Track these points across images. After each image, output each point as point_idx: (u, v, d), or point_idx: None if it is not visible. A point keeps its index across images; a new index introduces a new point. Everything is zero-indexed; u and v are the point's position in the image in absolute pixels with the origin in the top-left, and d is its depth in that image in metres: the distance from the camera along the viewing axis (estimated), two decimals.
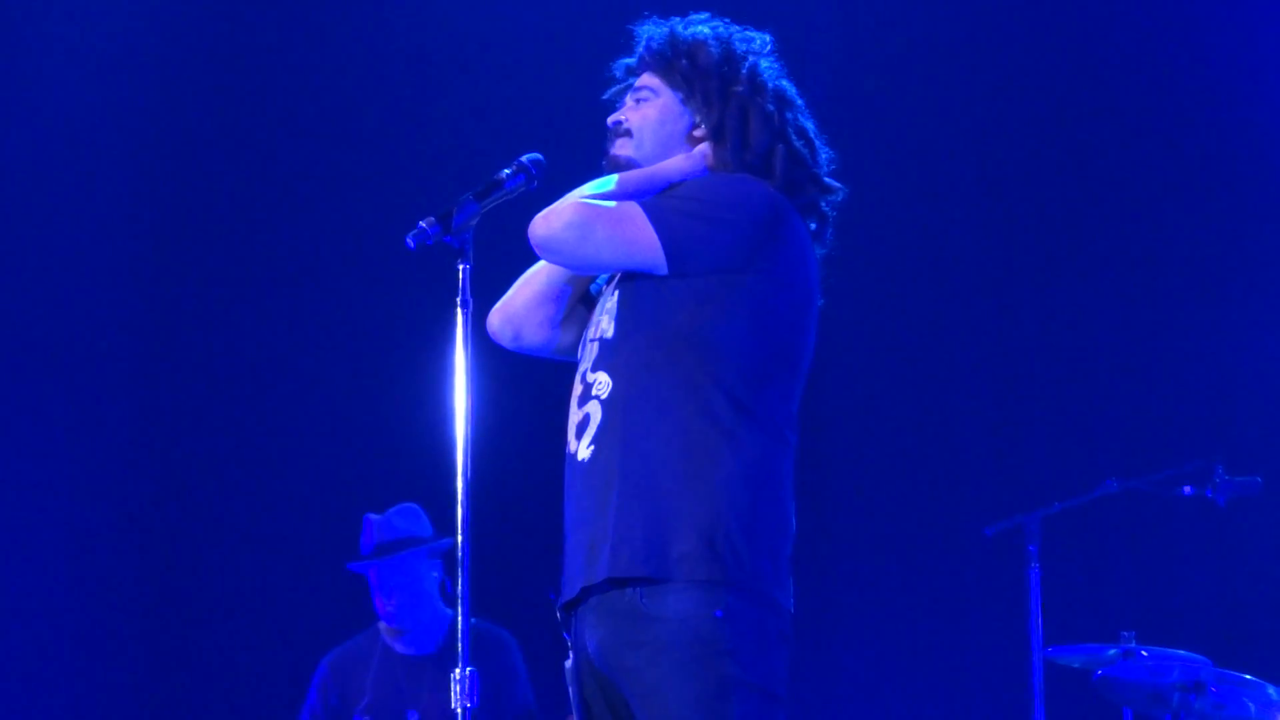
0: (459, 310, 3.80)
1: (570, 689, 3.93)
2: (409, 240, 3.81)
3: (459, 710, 3.69)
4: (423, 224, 3.81)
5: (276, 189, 8.12)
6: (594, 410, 3.87)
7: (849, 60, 8.18)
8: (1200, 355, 7.94)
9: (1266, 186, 8.00)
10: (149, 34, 8.05)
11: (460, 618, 3.69)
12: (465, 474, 3.74)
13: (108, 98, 8.02)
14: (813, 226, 4.04)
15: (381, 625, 6.47)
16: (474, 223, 3.84)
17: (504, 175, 3.93)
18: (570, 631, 3.91)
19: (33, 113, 7.91)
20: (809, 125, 4.10)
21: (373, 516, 6.45)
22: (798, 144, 4.05)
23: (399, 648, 6.42)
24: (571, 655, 3.91)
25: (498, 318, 4.09)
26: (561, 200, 3.89)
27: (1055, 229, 8.16)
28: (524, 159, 3.96)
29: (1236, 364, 7.89)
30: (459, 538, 3.72)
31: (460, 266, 3.83)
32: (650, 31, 4.14)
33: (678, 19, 4.15)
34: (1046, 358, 8.13)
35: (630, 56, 4.20)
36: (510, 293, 4.13)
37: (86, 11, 8.00)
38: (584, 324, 4.10)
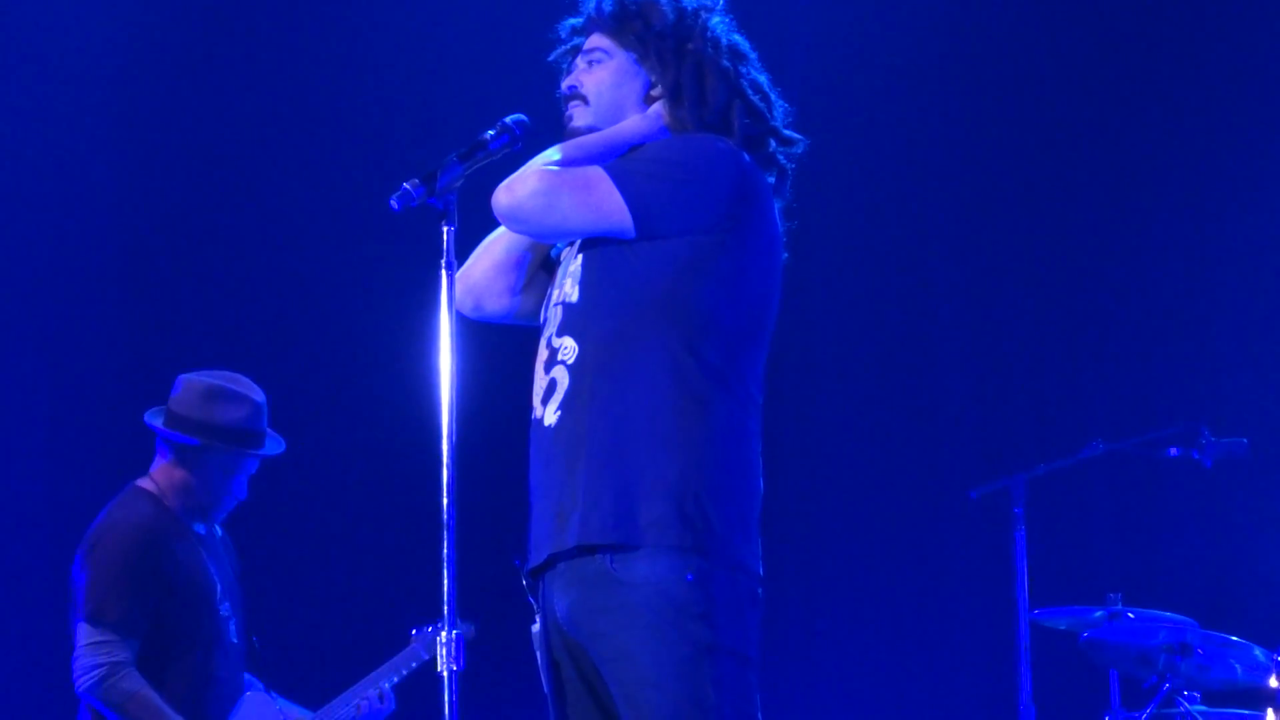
0: (444, 272, 3.77)
1: (538, 654, 3.91)
2: (393, 202, 3.78)
3: (445, 673, 3.67)
4: (407, 186, 3.77)
5: (260, 151, 8.10)
6: (560, 375, 3.84)
7: (831, 41, 8.17)
8: (1186, 317, 7.95)
9: (1249, 153, 8.01)
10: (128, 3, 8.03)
11: (446, 580, 3.67)
12: (450, 436, 3.72)
13: (88, 59, 7.99)
14: (771, 180, 4.02)
15: (171, 496, 5.68)
16: (458, 184, 3.81)
17: (488, 136, 3.89)
18: (537, 596, 3.90)
19: (17, 96, 7.89)
20: (763, 79, 4.07)
21: (255, 394, 5.80)
22: (754, 98, 4.03)
23: (198, 526, 5.72)
24: (539, 620, 3.89)
25: (458, 287, 3.99)
26: (523, 169, 3.86)
27: (1038, 193, 8.17)
28: (508, 120, 3.92)
29: (1222, 326, 7.91)
30: (444, 499, 3.70)
31: (444, 228, 3.80)
32: None
33: None
34: (1031, 319, 8.14)
35: (575, 17, 4.15)
36: (469, 262, 4.10)
37: None
38: (545, 289, 4.07)
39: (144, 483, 5.69)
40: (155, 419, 5.73)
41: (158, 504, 5.63)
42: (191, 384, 5.74)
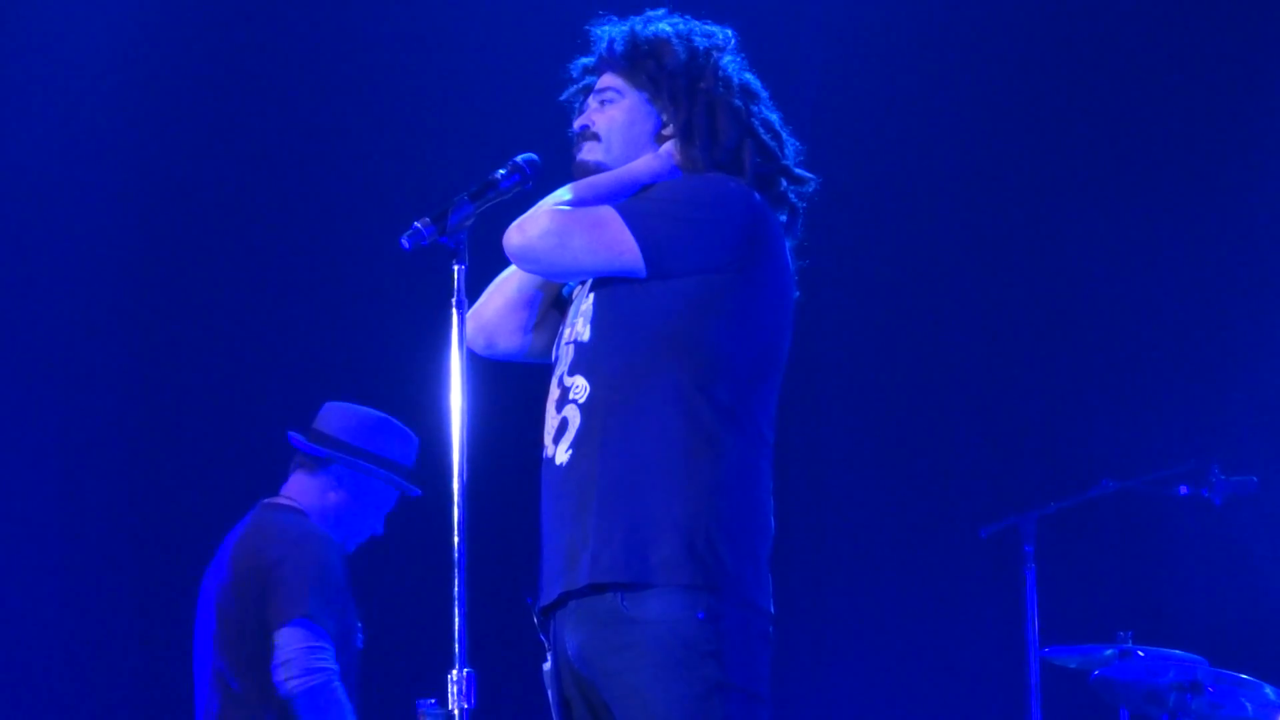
0: (454, 311, 3.78)
1: (549, 692, 3.92)
2: (404, 241, 3.79)
3: (456, 711, 3.67)
4: (417, 224, 3.78)
5: (271, 190, 8.11)
6: (572, 415, 3.85)
7: (841, 57, 8.18)
8: (1196, 355, 7.94)
9: (1262, 187, 8.01)
10: (144, 31, 8.03)
11: (457, 618, 3.67)
12: (461, 475, 3.72)
13: (102, 95, 8.00)
14: (783, 218, 4.03)
15: (315, 517, 5.56)
16: (469, 223, 3.82)
17: (499, 175, 3.90)
18: (548, 635, 3.90)
19: (27, 109, 7.90)
20: (774, 117, 4.08)
21: (411, 433, 5.75)
22: (765, 137, 4.04)
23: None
24: (550, 658, 3.90)
25: (471, 326, 4.02)
26: (534, 209, 3.87)
27: (1050, 229, 8.16)
28: (519, 159, 3.93)
29: (1232, 364, 7.90)
30: (455, 538, 3.71)
31: (455, 267, 3.81)
32: (610, 31, 4.11)
33: (636, 17, 4.12)
34: (1041, 358, 8.13)
35: (586, 57, 4.17)
36: (481, 300, 4.11)
37: (81, 7, 7.99)
38: (557, 327, 4.08)
39: (284, 501, 5.58)
40: (303, 438, 5.64)
41: (315, 525, 5.50)
42: (351, 411, 5.70)
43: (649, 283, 3.82)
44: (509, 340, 4.13)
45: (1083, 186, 8.17)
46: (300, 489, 5.62)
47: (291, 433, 5.69)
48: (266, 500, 5.63)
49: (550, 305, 4.13)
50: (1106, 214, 8.13)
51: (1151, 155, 8.10)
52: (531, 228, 3.84)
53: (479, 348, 4.11)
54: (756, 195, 3.92)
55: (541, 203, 3.89)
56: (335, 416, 5.70)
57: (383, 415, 5.72)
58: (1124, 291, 8.07)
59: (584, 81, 4.17)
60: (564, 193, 3.92)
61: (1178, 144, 8.08)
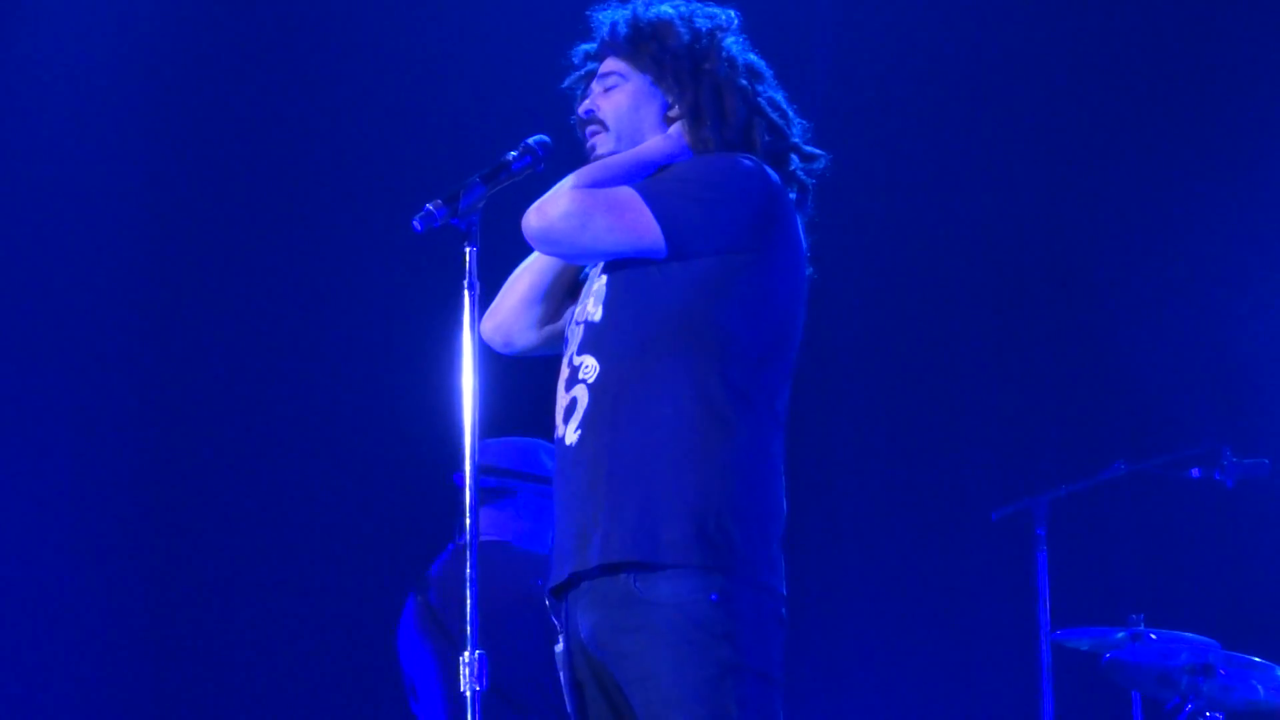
0: (466, 293, 3.79)
1: (561, 674, 3.92)
2: (415, 223, 3.79)
3: (468, 693, 3.68)
4: (429, 207, 3.79)
5: (282, 173, 8.11)
6: (581, 395, 3.84)
7: (850, 48, 8.17)
8: (1208, 337, 7.93)
9: (1271, 169, 8.00)
10: (149, 16, 8.03)
11: (469, 600, 3.68)
12: (473, 457, 3.73)
13: (112, 86, 8.00)
14: (794, 195, 4.02)
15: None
16: (481, 205, 3.83)
17: (510, 157, 3.91)
18: (560, 616, 3.90)
19: (32, 104, 7.90)
20: (779, 96, 4.08)
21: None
22: (773, 115, 4.04)
23: None
24: (562, 640, 3.90)
25: (488, 325, 4.06)
26: (552, 191, 3.86)
27: (1060, 211, 8.16)
28: (530, 141, 3.94)
29: (1244, 346, 7.89)
30: (466, 520, 3.72)
31: (467, 249, 3.81)
32: (612, 16, 4.10)
33: (637, 1, 4.09)
34: (1053, 340, 8.13)
35: (588, 42, 4.16)
36: (498, 299, 4.11)
37: (87, 5, 7.99)
38: None
39: (488, 538, 5.54)
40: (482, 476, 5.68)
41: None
42: (511, 444, 5.66)
43: (664, 263, 3.81)
44: (526, 336, 4.13)
45: (1095, 167, 8.16)
46: (491, 524, 5.61)
47: (459, 474, 5.69)
48: (462, 540, 5.65)
49: (565, 297, 4.12)
50: (1119, 194, 8.12)
51: (1164, 133, 8.09)
52: (552, 209, 3.83)
53: (498, 346, 4.12)
54: (772, 173, 3.92)
55: (559, 185, 3.88)
56: (500, 451, 5.68)
57: (535, 440, 5.71)
58: (1136, 273, 8.06)
59: (586, 68, 4.15)
60: (580, 175, 3.91)
61: (1190, 123, 8.07)
